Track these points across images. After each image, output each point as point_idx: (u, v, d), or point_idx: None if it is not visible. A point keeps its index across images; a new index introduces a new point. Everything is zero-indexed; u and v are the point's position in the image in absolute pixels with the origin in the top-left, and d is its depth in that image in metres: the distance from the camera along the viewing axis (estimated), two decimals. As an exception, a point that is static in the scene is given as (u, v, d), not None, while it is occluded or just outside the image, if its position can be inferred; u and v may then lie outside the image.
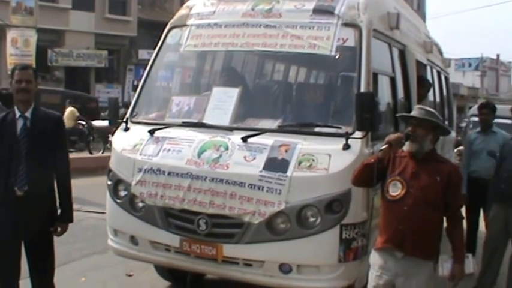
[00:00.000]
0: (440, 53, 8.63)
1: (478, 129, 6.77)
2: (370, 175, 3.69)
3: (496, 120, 6.96)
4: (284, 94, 5.31)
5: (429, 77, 6.96)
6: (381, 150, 3.68)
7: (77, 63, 27.49)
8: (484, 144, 6.49)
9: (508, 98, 39.80)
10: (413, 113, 3.79)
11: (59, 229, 4.06)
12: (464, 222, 4.05)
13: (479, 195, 6.05)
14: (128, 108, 5.25)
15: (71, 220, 4.14)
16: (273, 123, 4.57)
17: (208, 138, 4.49)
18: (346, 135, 4.21)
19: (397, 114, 4.53)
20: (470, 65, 55.15)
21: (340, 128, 4.35)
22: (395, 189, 3.61)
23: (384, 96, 5.12)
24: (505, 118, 7.08)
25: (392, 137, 3.69)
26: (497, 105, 7.00)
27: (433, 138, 3.71)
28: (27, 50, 16.86)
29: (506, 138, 6.23)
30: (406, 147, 3.68)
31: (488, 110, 6.69)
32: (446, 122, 8.11)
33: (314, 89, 5.60)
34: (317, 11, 4.73)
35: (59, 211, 4.09)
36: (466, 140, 6.98)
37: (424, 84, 6.26)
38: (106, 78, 29.54)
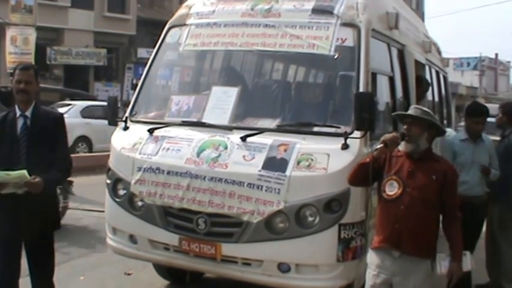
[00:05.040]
0: (439, 53, 8.64)
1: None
2: (366, 174, 3.70)
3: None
4: (283, 94, 5.31)
5: (428, 77, 6.97)
6: (376, 149, 3.69)
7: (76, 62, 27.44)
8: None
9: (507, 98, 39.79)
10: (409, 112, 3.81)
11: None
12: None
13: None
14: (126, 106, 5.25)
15: (41, 186, 3.77)
16: (272, 123, 4.58)
17: (207, 138, 4.50)
18: (345, 135, 4.22)
19: (393, 113, 4.54)
20: (468, 64, 55.06)
21: (339, 127, 4.36)
22: (392, 189, 3.62)
23: (383, 96, 5.14)
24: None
25: (387, 136, 3.69)
26: (488, 105, 6.92)
27: (429, 137, 3.72)
28: (26, 48, 16.91)
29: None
30: (402, 147, 3.70)
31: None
32: (445, 122, 8.13)
33: (313, 89, 5.61)
34: (316, 10, 4.74)
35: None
36: None
37: (422, 84, 6.26)
38: (105, 77, 29.49)
